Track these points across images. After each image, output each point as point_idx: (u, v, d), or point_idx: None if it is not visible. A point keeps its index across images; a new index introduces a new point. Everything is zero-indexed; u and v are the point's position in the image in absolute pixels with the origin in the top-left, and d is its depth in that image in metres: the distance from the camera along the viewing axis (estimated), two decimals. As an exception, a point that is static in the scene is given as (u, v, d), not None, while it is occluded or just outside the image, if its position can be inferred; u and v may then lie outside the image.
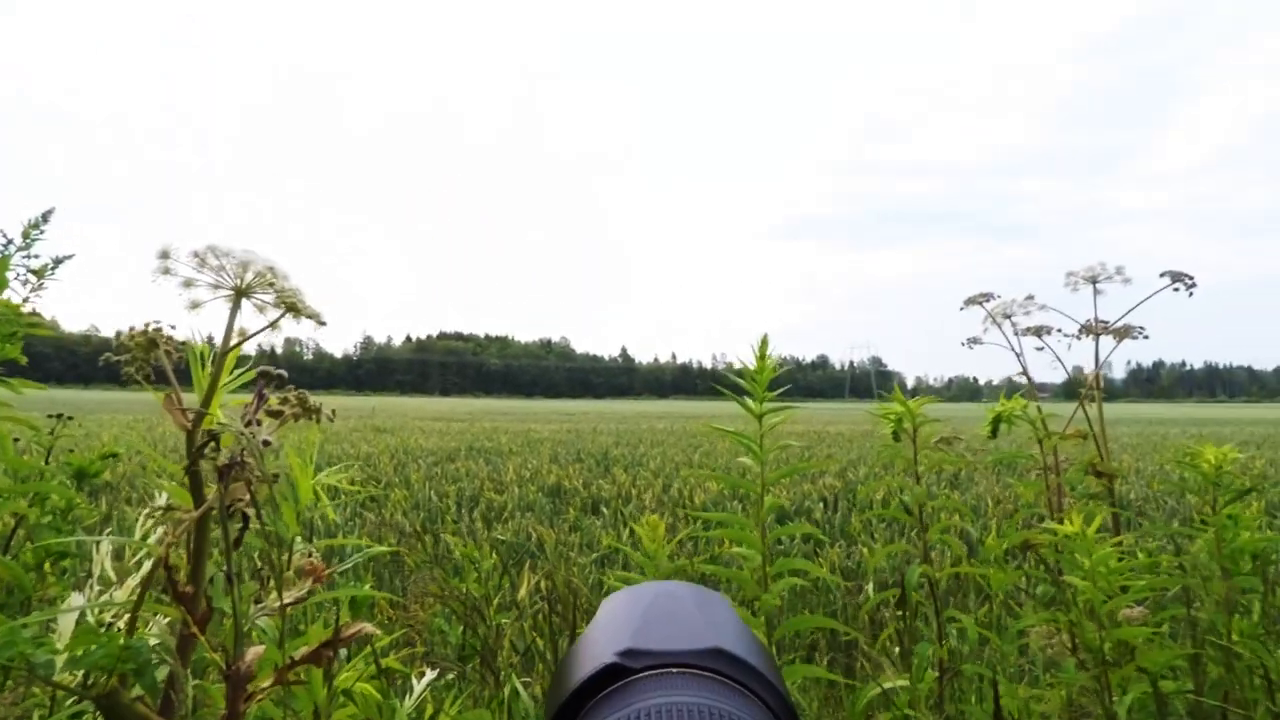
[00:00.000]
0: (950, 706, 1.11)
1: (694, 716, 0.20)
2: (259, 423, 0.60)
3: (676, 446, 10.20)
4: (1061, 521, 1.07)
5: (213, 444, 0.57)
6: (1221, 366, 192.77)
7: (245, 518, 0.57)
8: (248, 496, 0.56)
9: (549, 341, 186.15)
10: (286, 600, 0.53)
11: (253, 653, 0.50)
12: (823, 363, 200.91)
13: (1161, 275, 1.44)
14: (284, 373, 0.63)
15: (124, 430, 10.37)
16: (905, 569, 1.28)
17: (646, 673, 0.22)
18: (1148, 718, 0.95)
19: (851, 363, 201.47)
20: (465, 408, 37.07)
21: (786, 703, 0.23)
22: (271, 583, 0.56)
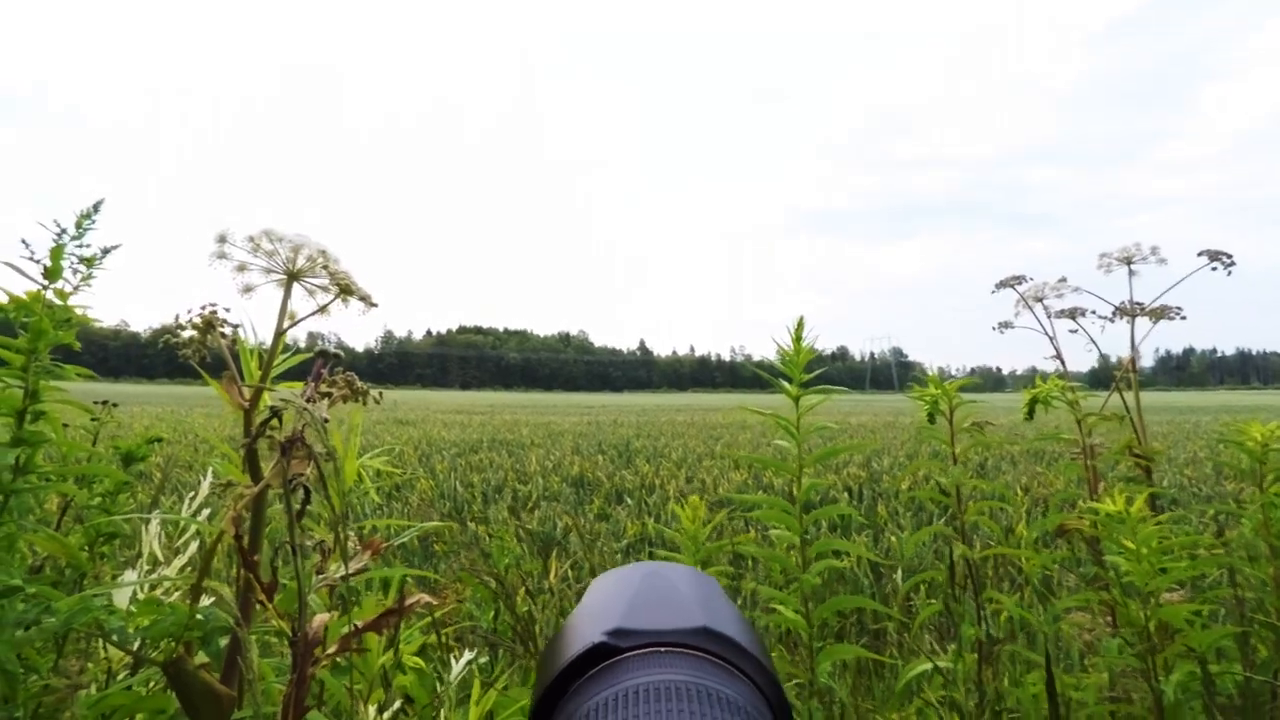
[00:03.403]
0: (989, 687, 1.11)
1: (682, 694, 0.20)
2: (317, 400, 0.61)
3: (697, 438, 10.20)
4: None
5: (275, 420, 0.59)
6: (1255, 352, 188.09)
7: (306, 491, 0.58)
8: (308, 471, 0.58)
9: (568, 335, 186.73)
10: (350, 571, 0.54)
11: (319, 620, 0.52)
12: (842, 354, 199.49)
13: (1199, 255, 1.41)
14: (340, 353, 0.64)
15: (154, 422, 10.61)
16: (937, 555, 1.27)
17: (635, 651, 0.22)
18: (1194, 698, 0.95)
19: (872, 354, 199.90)
20: (486, 401, 37.32)
21: (774, 681, 0.23)
22: (334, 554, 0.57)
